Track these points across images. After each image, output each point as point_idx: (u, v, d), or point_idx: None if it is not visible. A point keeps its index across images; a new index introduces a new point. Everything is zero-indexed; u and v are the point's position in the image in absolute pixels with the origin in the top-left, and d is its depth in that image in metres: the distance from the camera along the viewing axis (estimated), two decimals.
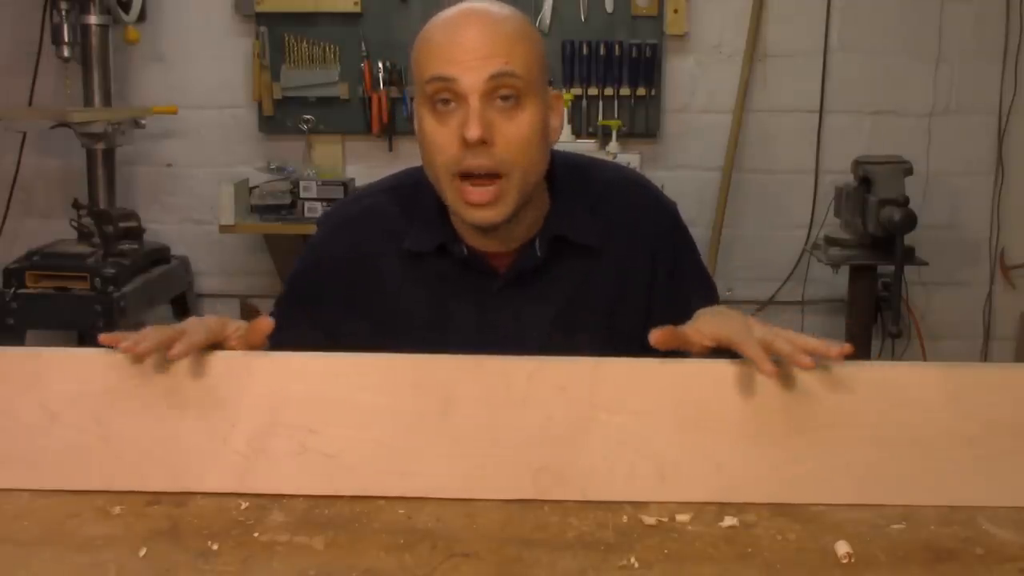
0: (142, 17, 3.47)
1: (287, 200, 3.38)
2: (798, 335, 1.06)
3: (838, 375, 1.05)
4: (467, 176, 1.21)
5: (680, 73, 3.57)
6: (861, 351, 3.16)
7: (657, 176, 3.12)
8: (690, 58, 3.57)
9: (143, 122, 3.44)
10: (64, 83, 3.46)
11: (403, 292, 1.34)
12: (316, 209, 3.31)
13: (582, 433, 1.06)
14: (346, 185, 3.40)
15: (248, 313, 3.56)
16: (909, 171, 3.10)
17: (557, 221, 1.32)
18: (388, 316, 1.34)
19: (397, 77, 3.54)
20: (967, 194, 3.60)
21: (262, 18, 3.53)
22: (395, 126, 3.57)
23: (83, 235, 3.26)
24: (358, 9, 3.50)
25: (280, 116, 3.59)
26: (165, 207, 3.70)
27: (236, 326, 1.17)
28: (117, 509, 1.04)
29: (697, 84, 3.57)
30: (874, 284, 3.25)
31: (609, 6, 3.49)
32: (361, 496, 1.05)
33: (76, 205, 3.27)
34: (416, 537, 0.98)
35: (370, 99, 3.55)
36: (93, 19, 3.30)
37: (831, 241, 3.24)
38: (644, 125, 3.54)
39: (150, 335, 1.06)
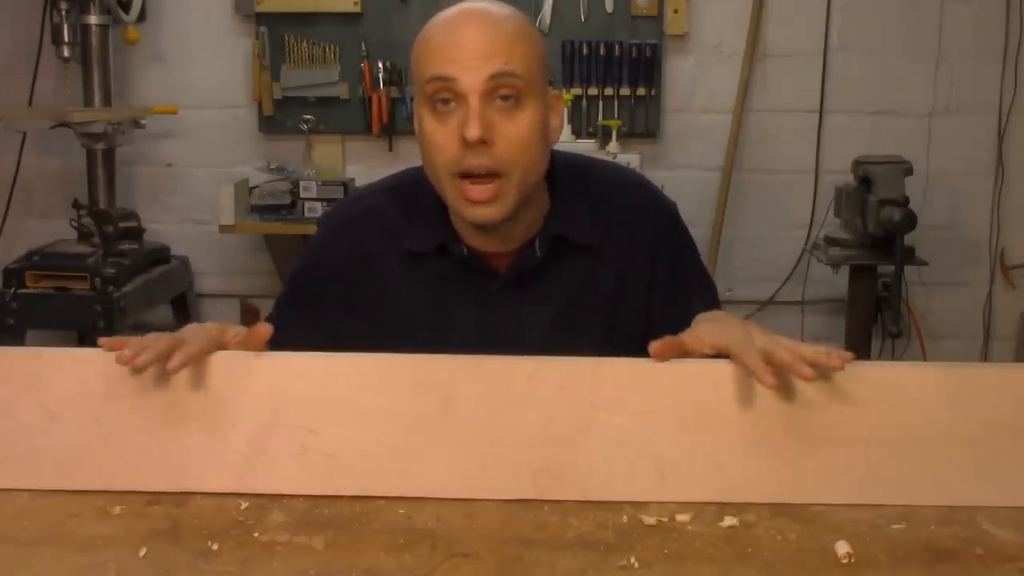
0: (142, 17, 3.47)
1: (287, 200, 3.38)
2: (799, 344, 1.05)
3: (838, 376, 1.05)
4: (467, 176, 1.21)
5: (680, 73, 3.56)
6: (861, 351, 3.15)
7: (657, 176, 3.12)
8: (690, 58, 3.56)
9: (143, 122, 3.44)
10: (64, 83, 3.46)
11: (403, 292, 1.34)
12: (316, 209, 3.31)
13: (582, 433, 1.06)
14: (346, 185, 3.40)
15: (248, 313, 3.56)
16: (909, 171, 3.10)
17: (557, 221, 1.32)
18: (388, 316, 1.34)
19: (397, 77, 3.54)
20: (967, 194, 3.60)
21: (262, 18, 3.53)
22: (395, 126, 3.57)
23: (83, 235, 3.26)
24: (358, 9, 3.49)
25: (280, 116, 3.59)
26: (165, 207, 3.70)
27: (235, 332, 1.17)
28: (117, 509, 1.04)
29: (697, 84, 3.57)
30: (874, 284, 3.25)
31: (609, 6, 3.49)
32: (361, 496, 1.06)
33: (76, 205, 3.27)
34: (416, 537, 0.98)
35: (370, 99, 3.55)
36: (93, 19, 3.30)
37: (831, 241, 3.24)
38: (644, 125, 3.54)
39: (149, 345, 1.06)
